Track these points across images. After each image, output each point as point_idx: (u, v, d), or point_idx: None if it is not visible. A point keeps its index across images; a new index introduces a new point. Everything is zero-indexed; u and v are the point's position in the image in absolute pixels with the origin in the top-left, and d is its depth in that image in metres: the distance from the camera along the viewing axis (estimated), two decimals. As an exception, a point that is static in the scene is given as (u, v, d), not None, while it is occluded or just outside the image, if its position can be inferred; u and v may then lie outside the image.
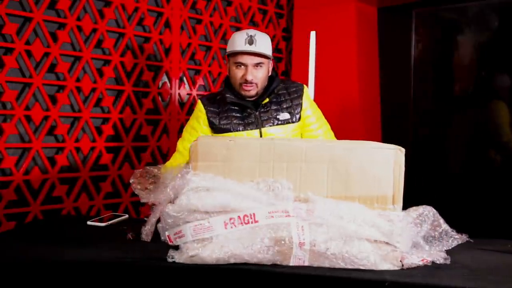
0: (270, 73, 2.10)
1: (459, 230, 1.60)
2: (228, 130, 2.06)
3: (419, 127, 3.47)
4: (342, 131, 2.90)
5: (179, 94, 3.14)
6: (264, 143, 1.48)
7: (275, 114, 2.08)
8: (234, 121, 2.06)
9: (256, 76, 2.02)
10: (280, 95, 2.11)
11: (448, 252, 1.50)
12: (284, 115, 2.08)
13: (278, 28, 3.70)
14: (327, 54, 3.39)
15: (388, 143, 1.54)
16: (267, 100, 2.08)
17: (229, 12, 3.38)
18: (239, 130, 2.06)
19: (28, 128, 2.52)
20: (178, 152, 2.12)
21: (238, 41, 2.01)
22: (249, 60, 2.00)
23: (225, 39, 3.40)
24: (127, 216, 2.00)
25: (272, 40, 3.65)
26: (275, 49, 3.70)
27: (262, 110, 2.08)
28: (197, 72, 3.26)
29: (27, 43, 2.53)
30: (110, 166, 2.85)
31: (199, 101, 2.15)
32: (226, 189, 1.40)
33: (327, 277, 1.33)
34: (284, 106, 2.09)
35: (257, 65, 2.02)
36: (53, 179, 2.61)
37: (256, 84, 2.03)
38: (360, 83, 3.33)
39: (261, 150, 1.46)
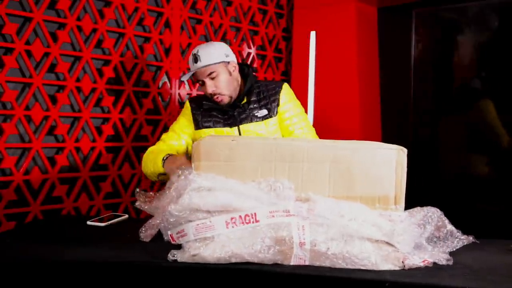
0: (232, 74, 2.15)
1: (459, 230, 1.60)
2: (209, 127, 2.17)
3: (419, 127, 3.47)
4: (342, 131, 2.91)
5: (179, 94, 3.14)
6: (267, 143, 1.49)
7: (253, 112, 2.15)
8: (214, 119, 2.17)
9: (216, 85, 2.10)
10: (258, 93, 2.18)
11: (449, 252, 1.51)
12: (262, 112, 2.15)
13: (278, 28, 3.70)
14: (327, 54, 3.39)
15: (388, 143, 1.54)
16: (244, 100, 2.17)
17: (229, 12, 3.38)
18: (219, 127, 2.16)
19: (28, 128, 2.52)
20: (162, 140, 2.24)
21: (190, 62, 2.13)
22: (201, 76, 2.11)
23: (225, 39, 3.40)
24: (127, 216, 2.00)
25: (272, 40, 3.67)
26: (275, 49, 3.70)
27: (240, 110, 2.16)
28: (197, 72, 3.26)
29: (27, 43, 2.53)
30: (110, 166, 2.85)
31: (187, 101, 2.28)
32: (228, 188, 1.40)
33: (327, 277, 1.33)
34: (262, 103, 2.17)
35: (210, 75, 2.09)
36: (53, 179, 2.61)
37: (220, 93, 2.11)
38: (360, 83, 3.33)
39: (264, 150, 1.46)
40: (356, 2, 3.31)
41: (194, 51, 2.11)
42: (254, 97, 2.17)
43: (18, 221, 2.50)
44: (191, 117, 2.21)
